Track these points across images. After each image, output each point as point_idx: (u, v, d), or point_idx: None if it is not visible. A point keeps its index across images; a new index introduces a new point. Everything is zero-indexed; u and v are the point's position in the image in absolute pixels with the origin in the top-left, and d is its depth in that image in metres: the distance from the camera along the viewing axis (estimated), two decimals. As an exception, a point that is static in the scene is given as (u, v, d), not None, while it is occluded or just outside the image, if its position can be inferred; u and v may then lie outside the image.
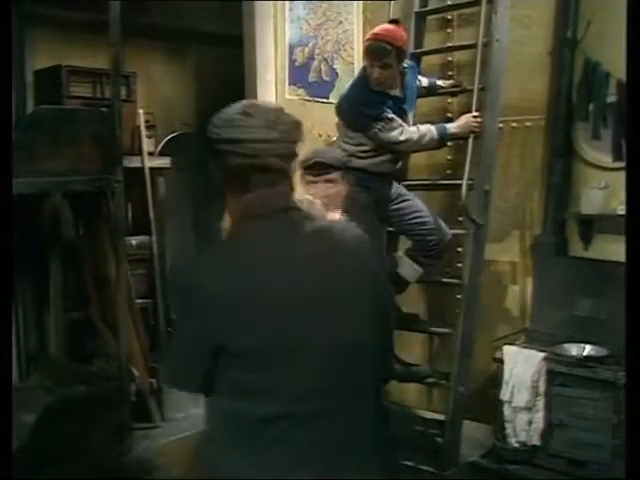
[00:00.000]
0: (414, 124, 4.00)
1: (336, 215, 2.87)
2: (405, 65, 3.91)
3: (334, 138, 4.35)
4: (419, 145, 3.90)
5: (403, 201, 4.01)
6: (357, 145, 3.85)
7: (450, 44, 4.59)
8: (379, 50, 3.70)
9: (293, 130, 1.77)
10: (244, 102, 1.81)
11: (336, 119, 4.04)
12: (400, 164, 4.12)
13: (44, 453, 3.48)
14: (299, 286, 1.71)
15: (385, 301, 2.09)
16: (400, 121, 3.80)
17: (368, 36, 3.84)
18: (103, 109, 4.16)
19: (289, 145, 1.76)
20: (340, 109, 3.98)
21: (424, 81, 4.27)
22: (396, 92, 3.88)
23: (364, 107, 3.78)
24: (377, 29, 3.79)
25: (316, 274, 1.75)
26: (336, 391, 1.72)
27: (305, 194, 2.95)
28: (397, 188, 4.02)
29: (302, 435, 1.68)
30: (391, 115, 3.77)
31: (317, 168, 3.07)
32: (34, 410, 3.57)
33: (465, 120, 3.93)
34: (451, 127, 3.95)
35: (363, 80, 3.85)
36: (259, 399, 1.66)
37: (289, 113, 1.80)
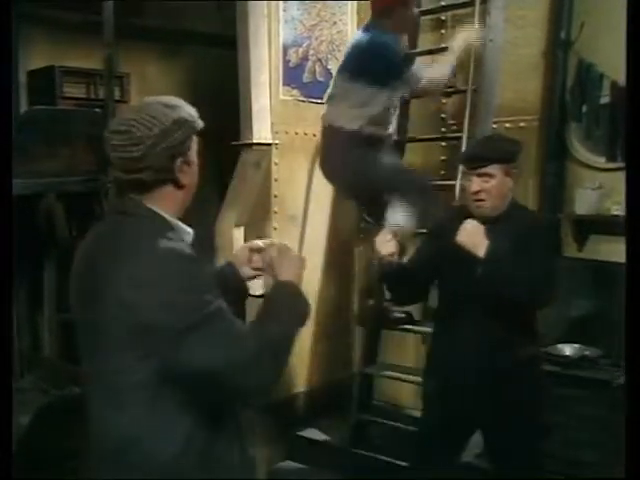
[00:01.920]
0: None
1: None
2: None
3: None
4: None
5: None
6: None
7: (444, 45, 4.59)
8: None
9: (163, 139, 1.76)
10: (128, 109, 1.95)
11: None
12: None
13: (38, 454, 3.47)
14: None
15: None
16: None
17: None
18: (97, 110, 4.15)
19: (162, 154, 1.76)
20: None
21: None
22: None
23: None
24: None
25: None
26: None
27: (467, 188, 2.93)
28: None
29: None
30: None
31: (469, 162, 2.93)
32: (28, 411, 3.56)
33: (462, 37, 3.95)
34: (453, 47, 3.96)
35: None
36: None
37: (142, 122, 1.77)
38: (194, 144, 1.85)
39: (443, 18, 4.66)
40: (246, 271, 2.16)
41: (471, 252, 2.73)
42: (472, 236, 2.76)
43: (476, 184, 2.83)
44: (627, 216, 2.41)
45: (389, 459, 4.06)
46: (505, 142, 3.03)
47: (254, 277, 2.19)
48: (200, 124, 1.86)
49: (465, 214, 2.90)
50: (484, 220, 2.83)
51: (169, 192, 1.82)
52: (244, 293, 2.21)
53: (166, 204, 1.82)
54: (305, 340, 4.69)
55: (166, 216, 1.82)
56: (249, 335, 1.72)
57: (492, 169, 2.81)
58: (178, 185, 1.82)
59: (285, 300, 1.87)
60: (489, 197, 2.83)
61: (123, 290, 1.68)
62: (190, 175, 1.85)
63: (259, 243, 2.16)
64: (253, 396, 1.85)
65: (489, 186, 2.82)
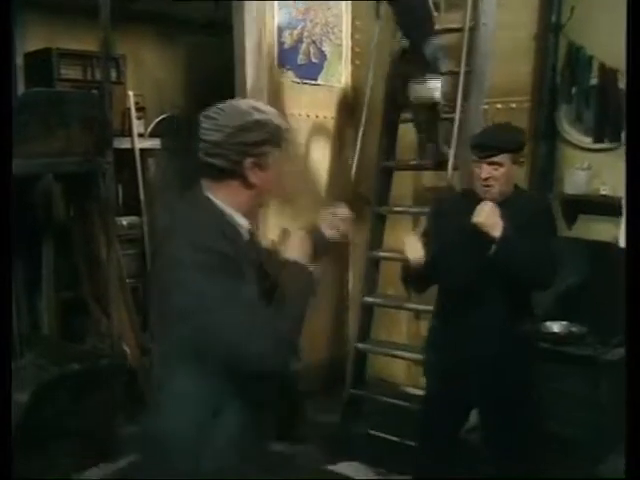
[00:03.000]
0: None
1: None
2: None
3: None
4: None
5: None
6: None
7: (437, 27, 4.63)
8: None
9: (239, 133, 1.89)
10: (228, 102, 1.98)
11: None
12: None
13: (37, 431, 3.53)
14: None
15: None
16: None
17: None
18: (93, 91, 4.19)
19: (235, 147, 1.90)
20: None
21: None
22: None
23: None
24: None
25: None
26: None
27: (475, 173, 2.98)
28: None
29: None
30: None
31: (480, 150, 2.98)
32: (27, 388, 3.62)
33: None
34: None
35: None
36: None
37: (253, 113, 1.93)
38: (275, 154, 1.97)
39: (436, 1, 4.68)
40: (331, 233, 2.30)
41: (487, 232, 2.82)
42: (489, 217, 2.84)
43: (486, 171, 2.92)
44: (627, 218, 2.46)
45: (382, 434, 4.15)
46: (514, 132, 3.12)
47: (337, 239, 2.33)
48: (283, 138, 1.99)
49: (472, 197, 2.98)
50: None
51: (236, 187, 1.95)
52: (327, 253, 2.34)
53: (231, 198, 1.96)
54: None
55: (224, 207, 1.95)
56: (264, 320, 1.83)
57: (501, 158, 2.91)
58: (246, 183, 1.94)
59: (294, 280, 1.97)
60: (497, 183, 2.93)
61: (163, 269, 1.92)
62: (262, 179, 1.96)
63: (342, 211, 2.33)
64: (268, 375, 1.94)
65: (498, 174, 2.92)
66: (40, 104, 3.81)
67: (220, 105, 1.95)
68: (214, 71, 4.77)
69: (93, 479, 3.73)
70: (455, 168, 3.93)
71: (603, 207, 3.99)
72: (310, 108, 4.82)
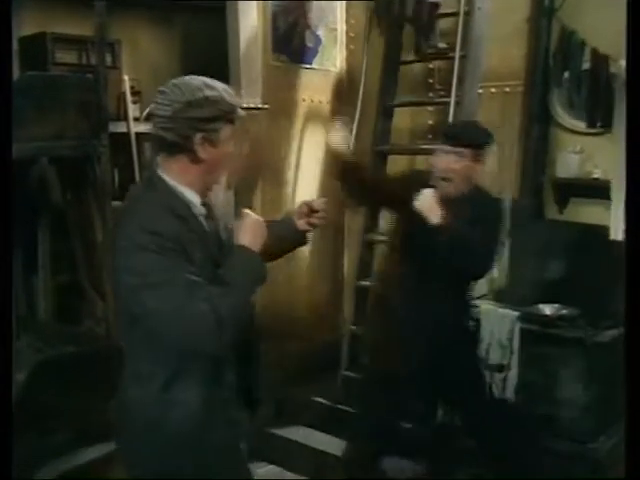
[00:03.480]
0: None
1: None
2: None
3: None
4: None
5: None
6: None
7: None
8: None
9: (189, 108, 1.95)
10: (181, 78, 2.05)
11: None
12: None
13: (33, 412, 3.57)
14: None
15: None
16: None
17: None
18: (88, 75, 4.19)
19: (185, 122, 1.95)
20: None
21: None
22: None
23: None
24: None
25: None
26: None
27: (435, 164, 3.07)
28: None
29: None
30: None
31: (445, 139, 3.09)
32: (24, 370, 3.65)
33: None
34: None
35: None
36: None
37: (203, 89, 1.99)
38: (226, 130, 2.01)
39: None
40: (302, 224, 2.37)
41: (426, 218, 2.92)
42: (428, 204, 2.93)
43: (445, 162, 3.03)
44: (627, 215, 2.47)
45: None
46: (481, 131, 3.19)
47: (308, 231, 2.41)
48: (238, 115, 2.04)
49: (427, 180, 3.07)
50: (445, 197, 2.99)
51: (187, 163, 2.00)
52: (300, 243, 2.47)
53: (182, 174, 2.01)
54: (299, 302, 4.82)
55: (175, 184, 2.01)
56: (206, 299, 1.86)
57: (463, 151, 3.00)
58: (196, 158, 1.98)
59: (241, 264, 2.00)
60: (455, 177, 3.02)
61: (113, 250, 1.97)
62: (212, 155, 2.00)
63: (318, 203, 2.37)
64: (207, 354, 2.00)
65: (457, 167, 3.01)
66: (35, 88, 3.81)
67: (174, 80, 2.02)
68: (210, 55, 4.76)
69: (89, 459, 3.77)
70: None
71: (595, 190, 4.02)
72: (305, 92, 4.83)
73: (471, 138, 3.07)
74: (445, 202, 2.94)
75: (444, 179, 3.04)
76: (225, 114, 2.00)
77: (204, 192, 2.09)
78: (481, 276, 3.30)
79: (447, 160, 3.03)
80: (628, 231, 2.24)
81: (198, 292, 1.86)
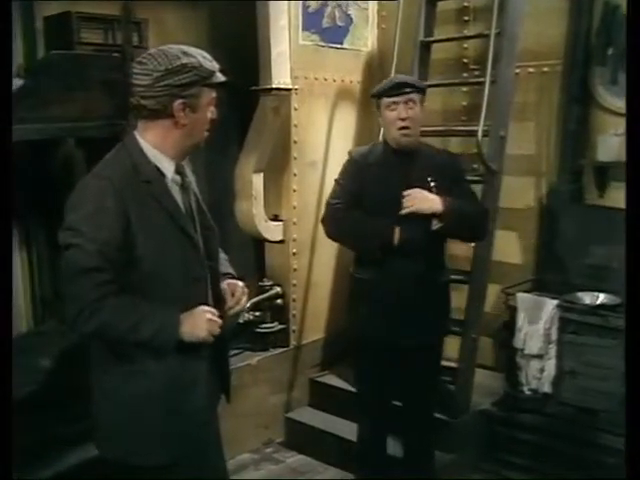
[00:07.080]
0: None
1: None
2: None
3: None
4: None
5: None
6: None
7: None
8: None
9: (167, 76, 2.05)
10: (158, 48, 2.13)
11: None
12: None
13: (59, 395, 3.52)
14: None
15: None
16: None
17: None
18: (115, 54, 4.12)
19: (164, 90, 2.05)
20: None
21: None
22: None
23: None
24: None
25: None
26: None
27: (385, 119, 3.15)
28: None
29: None
30: None
31: (397, 89, 3.12)
32: (49, 354, 3.60)
33: None
34: None
35: None
36: None
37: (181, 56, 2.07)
38: (206, 95, 2.12)
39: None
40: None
41: (430, 213, 3.03)
42: (424, 201, 3.03)
43: (404, 111, 3.10)
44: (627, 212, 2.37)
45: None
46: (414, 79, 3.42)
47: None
48: (217, 79, 2.13)
49: (389, 150, 3.20)
50: (405, 151, 3.16)
51: (167, 128, 2.11)
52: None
53: (161, 139, 2.13)
54: (324, 292, 4.75)
55: (149, 148, 2.13)
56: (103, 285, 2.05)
57: (415, 96, 3.12)
58: (177, 123, 2.09)
59: (161, 323, 2.11)
60: (413, 124, 3.13)
61: None
62: (192, 120, 2.11)
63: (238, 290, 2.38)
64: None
65: (413, 113, 3.11)
66: (61, 67, 3.75)
67: (150, 51, 2.10)
68: (237, 34, 4.68)
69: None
70: (485, 135, 3.84)
71: (637, 174, 3.88)
72: (335, 72, 4.73)
73: (418, 82, 3.29)
74: (405, 162, 3.13)
75: (403, 128, 3.11)
76: (203, 79, 2.08)
77: (181, 158, 2.20)
78: (486, 235, 3.48)
79: (405, 109, 3.10)
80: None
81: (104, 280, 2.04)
